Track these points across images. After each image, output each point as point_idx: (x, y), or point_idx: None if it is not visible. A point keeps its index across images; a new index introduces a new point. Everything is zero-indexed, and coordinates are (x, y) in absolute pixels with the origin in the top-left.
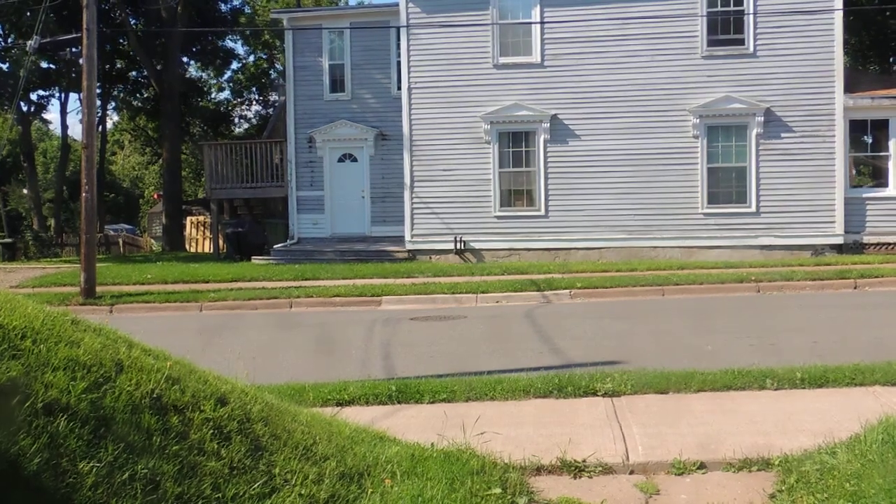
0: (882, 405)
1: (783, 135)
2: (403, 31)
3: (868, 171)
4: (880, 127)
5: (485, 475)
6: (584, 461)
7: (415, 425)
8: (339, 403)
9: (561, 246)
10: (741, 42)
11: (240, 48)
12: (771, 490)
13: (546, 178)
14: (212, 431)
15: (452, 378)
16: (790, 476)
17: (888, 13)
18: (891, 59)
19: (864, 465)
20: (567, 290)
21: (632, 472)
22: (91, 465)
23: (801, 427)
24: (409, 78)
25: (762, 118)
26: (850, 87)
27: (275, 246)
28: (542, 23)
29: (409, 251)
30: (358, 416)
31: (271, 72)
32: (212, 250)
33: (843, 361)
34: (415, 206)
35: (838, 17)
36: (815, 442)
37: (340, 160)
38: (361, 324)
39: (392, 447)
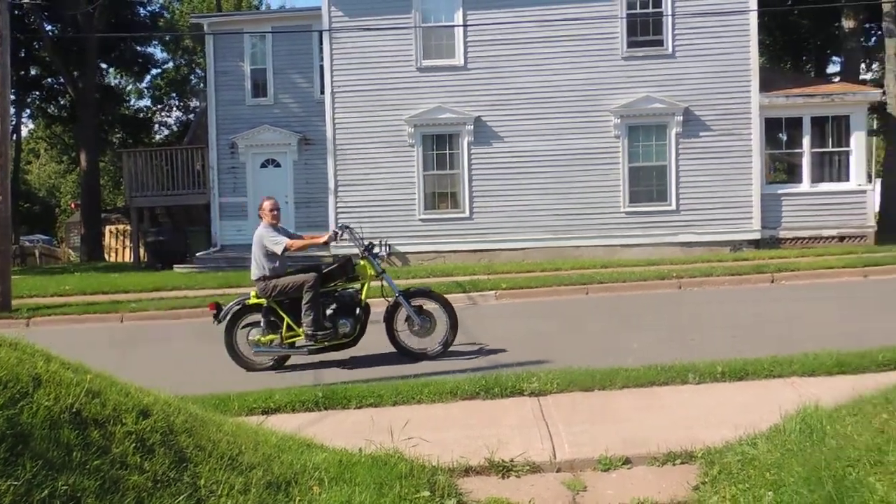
0: (800, 395)
1: (702, 133)
2: (326, 35)
3: (783, 168)
4: (795, 125)
5: (413, 479)
6: (511, 461)
7: (342, 431)
8: (266, 412)
9: (486, 247)
10: (660, 43)
11: (159, 53)
12: (695, 482)
13: (470, 180)
14: (134, 444)
15: (379, 383)
16: (713, 468)
17: (799, 13)
18: (803, 59)
19: (783, 454)
20: (492, 291)
21: (559, 470)
22: (8, 483)
23: (723, 419)
24: (332, 82)
25: (681, 117)
26: (765, 87)
27: (197, 254)
28: (464, 25)
29: (334, 256)
30: (285, 423)
31: (192, 77)
32: (132, 260)
33: (762, 354)
34: (339, 210)
35: (753, 17)
36: (737, 434)
37: (263, 165)
38: None
39: (320, 454)
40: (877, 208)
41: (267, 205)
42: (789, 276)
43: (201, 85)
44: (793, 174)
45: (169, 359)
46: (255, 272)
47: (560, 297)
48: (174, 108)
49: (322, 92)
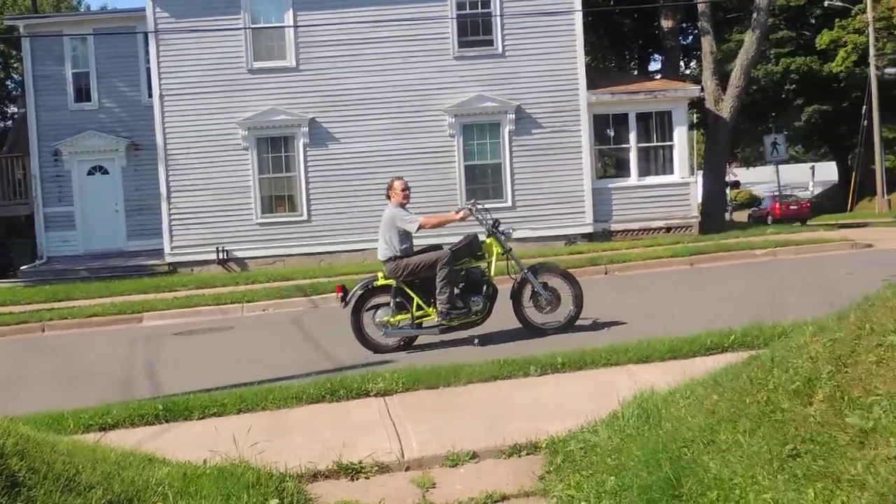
0: (636, 382)
1: (534, 131)
2: (151, 37)
3: (612, 163)
4: (621, 121)
5: (261, 487)
6: (360, 463)
7: (186, 443)
8: (103, 428)
9: (326, 250)
10: (490, 43)
11: None
12: (540, 472)
13: (307, 183)
14: None
15: (222, 392)
16: (557, 457)
17: (621, 13)
18: (627, 57)
19: (623, 439)
20: (334, 294)
21: (408, 469)
22: None
23: (565, 409)
24: (160, 85)
25: (513, 115)
26: (592, 85)
27: (22, 267)
28: (295, 26)
29: (169, 264)
30: (124, 439)
31: (8, 82)
32: None
33: (600, 344)
34: (173, 217)
35: (578, 18)
36: (579, 422)
37: (90, 173)
38: (122, 343)
39: (162, 468)
40: (699, 199)
41: (398, 185)
42: (622, 267)
43: (19, 90)
44: (621, 169)
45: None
46: (384, 252)
47: None
48: None
49: (150, 96)
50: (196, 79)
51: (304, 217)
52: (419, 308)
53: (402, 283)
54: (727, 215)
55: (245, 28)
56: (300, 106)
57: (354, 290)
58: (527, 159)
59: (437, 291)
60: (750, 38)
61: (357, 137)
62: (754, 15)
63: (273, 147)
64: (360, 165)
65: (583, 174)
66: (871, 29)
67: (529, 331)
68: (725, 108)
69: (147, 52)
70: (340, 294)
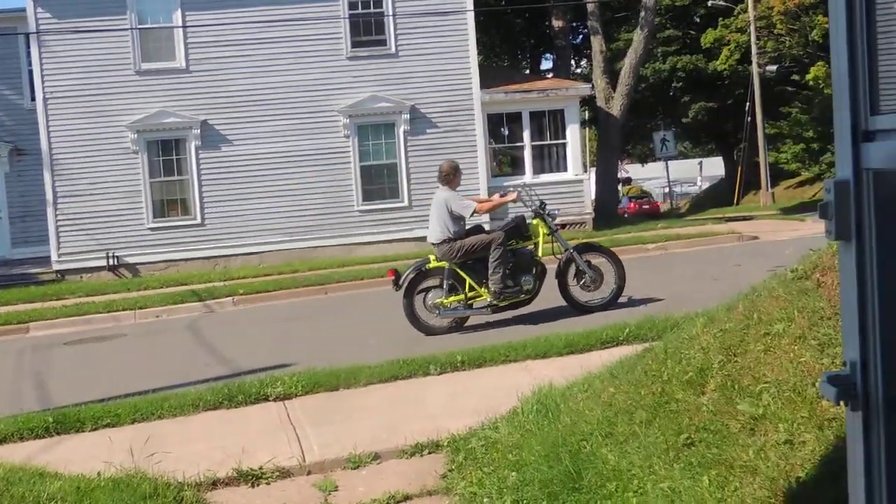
0: (534, 378)
1: (428, 130)
2: (33, 38)
3: (507, 161)
4: (515, 119)
5: (158, 498)
6: (260, 468)
7: (79, 456)
8: None
9: (221, 253)
10: (384, 43)
11: None
12: (443, 470)
13: (200, 186)
14: None
15: (116, 402)
16: (458, 455)
17: (513, 13)
18: (519, 56)
19: (523, 435)
20: (230, 298)
21: (309, 473)
22: None
23: (466, 407)
24: (43, 88)
25: (408, 115)
26: (486, 84)
27: None
28: (184, 27)
29: (57, 272)
30: (12, 454)
31: None
32: None
33: (500, 340)
34: (60, 223)
35: (470, 17)
36: (479, 419)
37: None
38: (8, 354)
39: (54, 483)
40: (593, 196)
41: (450, 167)
42: None
43: None
44: (516, 167)
45: None
46: (437, 235)
47: (299, 298)
48: None
49: (33, 99)
50: (81, 81)
51: (198, 221)
52: (471, 289)
53: (454, 265)
54: (620, 211)
55: (132, 28)
56: (191, 108)
57: (407, 273)
58: (422, 159)
59: (490, 272)
60: (638, 37)
61: (250, 139)
62: (642, 14)
63: (164, 150)
64: (255, 167)
65: (478, 173)
66: (752, 28)
67: (574, 309)
68: (616, 106)
69: (29, 54)
70: (393, 278)
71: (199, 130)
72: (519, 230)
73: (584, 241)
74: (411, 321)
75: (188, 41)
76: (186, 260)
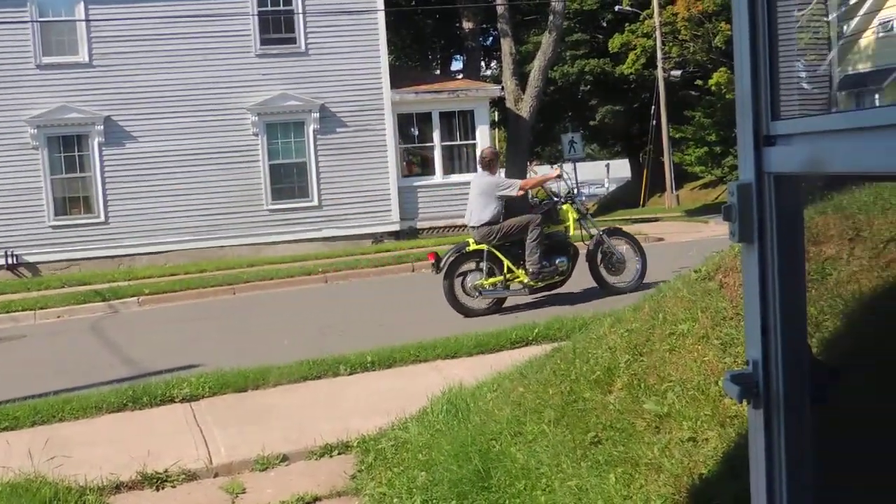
0: (444, 378)
1: (339, 130)
2: None
3: (418, 161)
4: (425, 119)
5: (59, 503)
6: (166, 471)
7: None
8: None
9: (125, 252)
10: (293, 41)
11: None
12: (352, 471)
13: (104, 183)
14: None
15: (14, 404)
16: (368, 455)
17: (423, 13)
18: (430, 57)
19: (433, 435)
20: (135, 298)
21: (217, 475)
22: None
23: (376, 407)
24: None
25: (318, 114)
26: (396, 84)
27: None
28: (87, 21)
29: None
30: None
31: None
32: None
33: (409, 340)
34: None
35: (381, 17)
36: (390, 420)
37: None
38: None
39: None
40: None
41: (491, 153)
42: (428, 264)
43: None
44: (427, 167)
45: None
46: (478, 218)
47: (207, 298)
48: None
49: None
50: None
51: (101, 219)
52: (509, 270)
53: (492, 248)
54: None
55: (32, 21)
56: (94, 103)
57: (447, 255)
58: (332, 158)
59: (528, 253)
60: (547, 40)
61: (157, 136)
62: (550, 18)
63: (66, 146)
64: (161, 165)
65: (388, 173)
66: (658, 33)
67: (603, 290)
68: (525, 108)
69: None
70: (433, 261)
71: (102, 126)
72: (551, 215)
73: (612, 226)
74: (451, 303)
75: (91, 35)
76: (89, 259)
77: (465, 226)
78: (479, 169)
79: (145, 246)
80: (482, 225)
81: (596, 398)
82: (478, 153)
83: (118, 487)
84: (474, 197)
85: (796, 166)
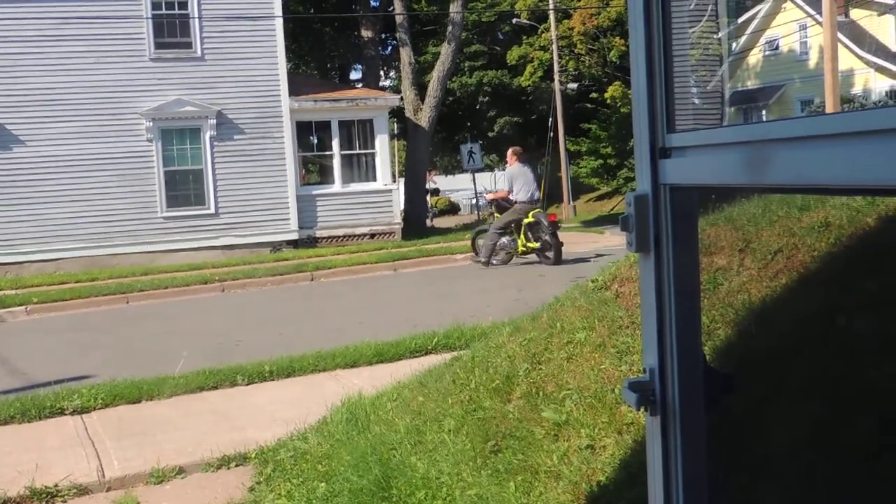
0: (344, 387)
1: (236, 137)
2: None
3: (317, 170)
4: (324, 128)
5: None
6: (56, 486)
7: None
8: None
9: (12, 260)
10: (189, 45)
11: None
12: (250, 483)
13: None
14: None
15: None
16: (267, 466)
17: (322, 22)
18: (328, 66)
19: (332, 445)
20: (23, 307)
21: (109, 489)
22: None
23: (275, 417)
24: None
25: (215, 121)
26: (295, 91)
27: None
28: None
29: None
30: None
31: None
32: None
33: (308, 349)
34: None
35: (279, 23)
36: (289, 430)
37: None
38: None
39: None
40: (402, 206)
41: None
42: (328, 273)
43: None
44: (326, 175)
45: None
46: (537, 195)
47: (99, 307)
48: None
49: None
50: None
51: None
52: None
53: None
54: (428, 221)
55: None
56: None
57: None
58: (230, 165)
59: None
60: (446, 51)
61: (45, 140)
62: (449, 28)
63: None
64: (51, 170)
65: (287, 181)
66: (554, 47)
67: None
68: (424, 118)
69: None
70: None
71: None
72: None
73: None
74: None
75: None
76: None
77: (365, 235)
78: (519, 162)
79: (34, 253)
80: (538, 200)
81: (495, 407)
82: (377, 162)
83: (5, 503)
84: (529, 179)
85: (691, 178)
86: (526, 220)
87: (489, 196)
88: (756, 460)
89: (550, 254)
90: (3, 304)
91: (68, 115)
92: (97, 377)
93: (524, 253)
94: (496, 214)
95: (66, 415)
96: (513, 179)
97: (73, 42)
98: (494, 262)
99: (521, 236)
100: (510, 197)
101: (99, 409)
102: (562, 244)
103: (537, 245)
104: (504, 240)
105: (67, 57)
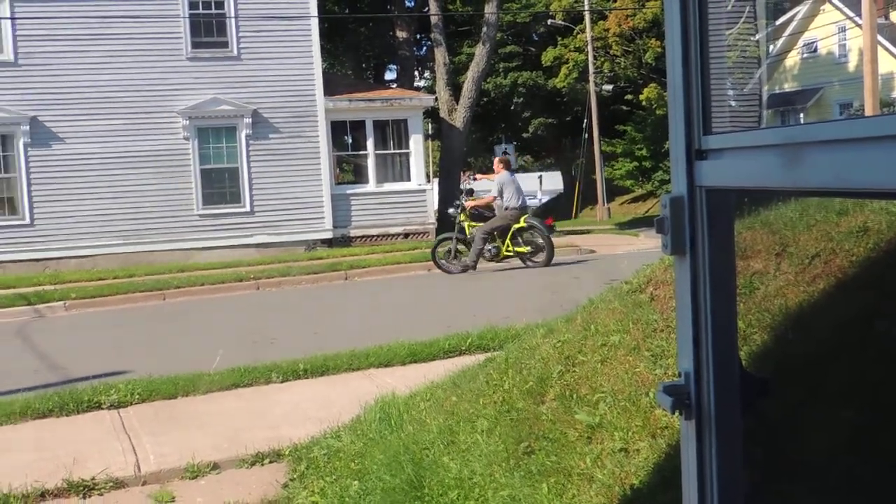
0: (377, 386)
1: (271, 136)
2: None
3: (351, 169)
4: (359, 127)
5: None
6: (93, 479)
7: None
8: None
9: (51, 256)
10: (226, 45)
11: None
12: (284, 480)
13: (29, 185)
14: None
15: None
16: (301, 464)
17: (357, 22)
18: (364, 66)
19: (365, 443)
20: (62, 302)
21: (145, 483)
22: None
23: (309, 415)
24: None
25: (250, 119)
26: (330, 90)
27: None
28: (12, 18)
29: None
30: None
31: None
32: None
33: (342, 348)
34: None
35: (314, 23)
36: (322, 428)
37: None
38: None
39: None
40: (436, 206)
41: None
42: (362, 272)
43: None
44: (360, 175)
45: None
46: (524, 202)
47: (136, 304)
48: None
49: None
50: None
51: (27, 221)
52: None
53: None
54: None
55: None
56: (20, 103)
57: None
58: (265, 164)
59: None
60: (480, 52)
61: (85, 137)
62: (484, 29)
63: None
64: (89, 167)
65: (321, 180)
66: (589, 48)
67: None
68: (459, 118)
69: None
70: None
71: (28, 127)
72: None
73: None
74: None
75: (17, 33)
76: (13, 262)
77: (399, 235)
78: (506, 171)
79: (72, 249)
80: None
81: (529, 408)
82: (412, 162)
83: (43, 495)
84: (517, 187)
85: (727, 180)
86: (517, 226)
87: (470, 204)
88: (792, 465)
89: (540, 257)
90: (42, 300)
91: (106, 113)
92: (134, 372)
93: (507, 257)
94: (471, 223)
95: (103, 409)
96: (503, 187)
97: (112, 41)
98: (456, 268)
99: (508, 241)
100: (502, 204)
101: (135, 403)
102: (553, 248)
103: (526, 249)
104: (489, 245)
105: (106, 55)
